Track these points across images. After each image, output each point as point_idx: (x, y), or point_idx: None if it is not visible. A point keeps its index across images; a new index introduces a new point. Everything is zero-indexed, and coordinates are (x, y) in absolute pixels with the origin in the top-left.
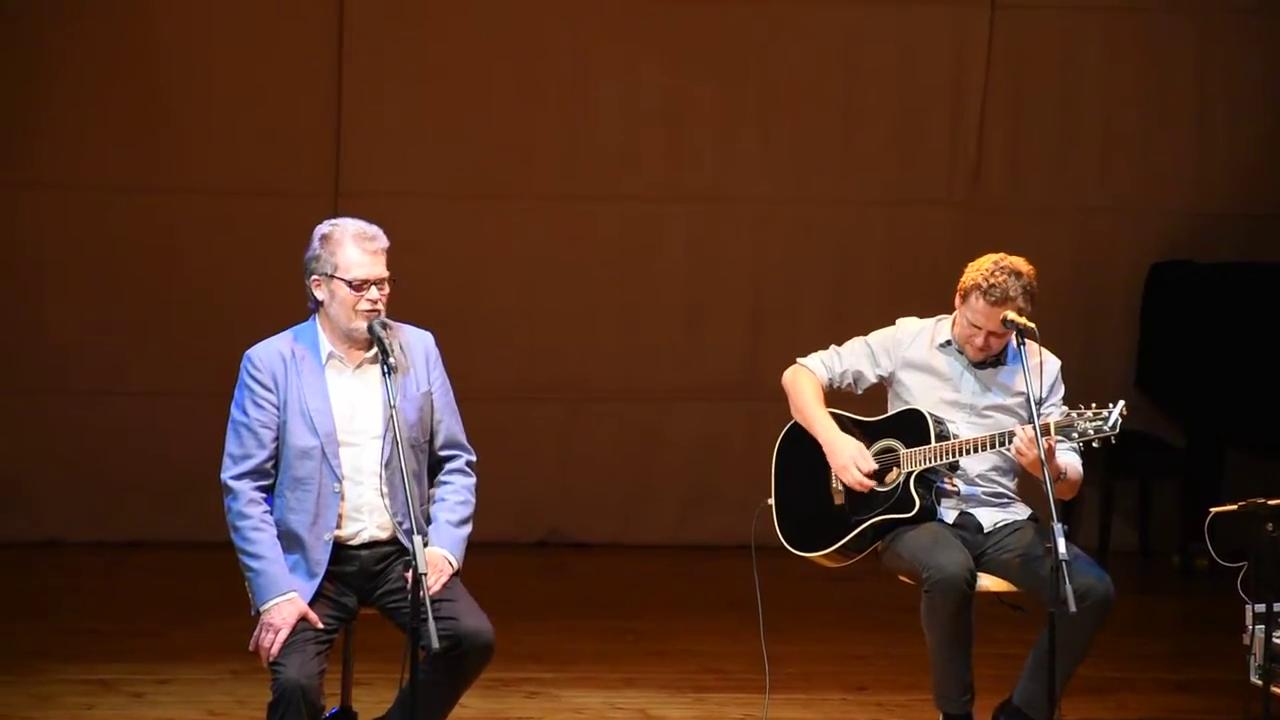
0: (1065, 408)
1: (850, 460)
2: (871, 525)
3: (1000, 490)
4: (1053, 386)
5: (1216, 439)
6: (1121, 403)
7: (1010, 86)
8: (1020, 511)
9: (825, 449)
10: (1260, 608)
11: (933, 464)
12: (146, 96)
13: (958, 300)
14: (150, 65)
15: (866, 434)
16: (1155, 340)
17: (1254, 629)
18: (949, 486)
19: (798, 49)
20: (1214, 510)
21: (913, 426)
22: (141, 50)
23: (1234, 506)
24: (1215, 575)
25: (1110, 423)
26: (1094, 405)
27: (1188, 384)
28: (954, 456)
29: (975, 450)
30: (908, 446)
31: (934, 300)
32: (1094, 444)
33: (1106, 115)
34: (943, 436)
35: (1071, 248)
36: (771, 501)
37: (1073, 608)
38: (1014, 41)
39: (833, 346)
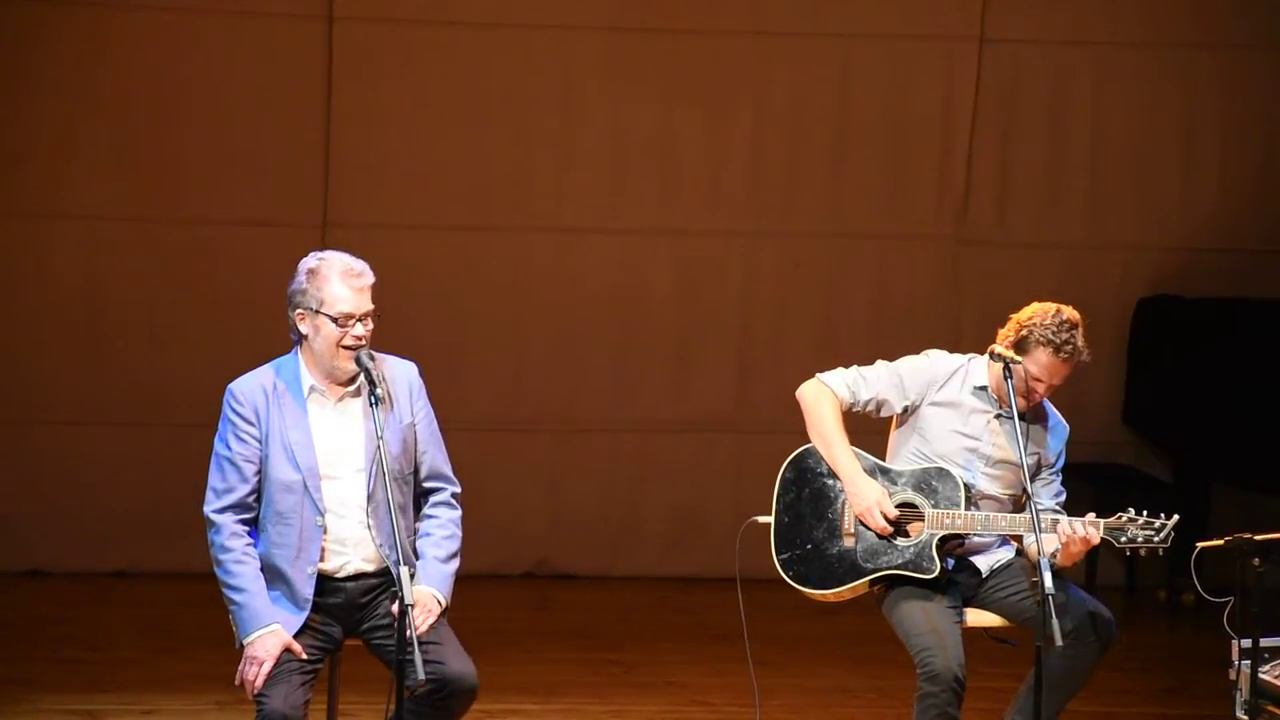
0: (1061, 501)
1: (875, 504)
2: (884, 576)
3: (989, 537)
4: (1061, 453)
5: (1204, 474)
6: (1176, 517)
7: (999, 121)
8: (1007, 551)
9: (847, 486)
10: (1246, 643)
11: (959, 531)
12: (133, 126)
13: (1010, 348)
14: (139, 94)
15: (889, 481)
16: (1142, 375)
17: (1240, 664)
18: (959, 553)
19: (787, 83)
20: (1200, 545)
21: (943, 488)
22: (130, 79)
23: (1220, 541)
24: (1202, 610)
25: (1162, 535)
26: (1145, 513)
27: (1175, 419)
28: (985, 531)
29: (1010, 529)
30: (935, 507)
31: (923, 334)
32: (1141, 552)
33: (1094, 150)
34: (970, 504)
35: (1059, 282)
36: (764, 520)
37: (1059, 641)
38: (1003, 76)
39: (855, 367)
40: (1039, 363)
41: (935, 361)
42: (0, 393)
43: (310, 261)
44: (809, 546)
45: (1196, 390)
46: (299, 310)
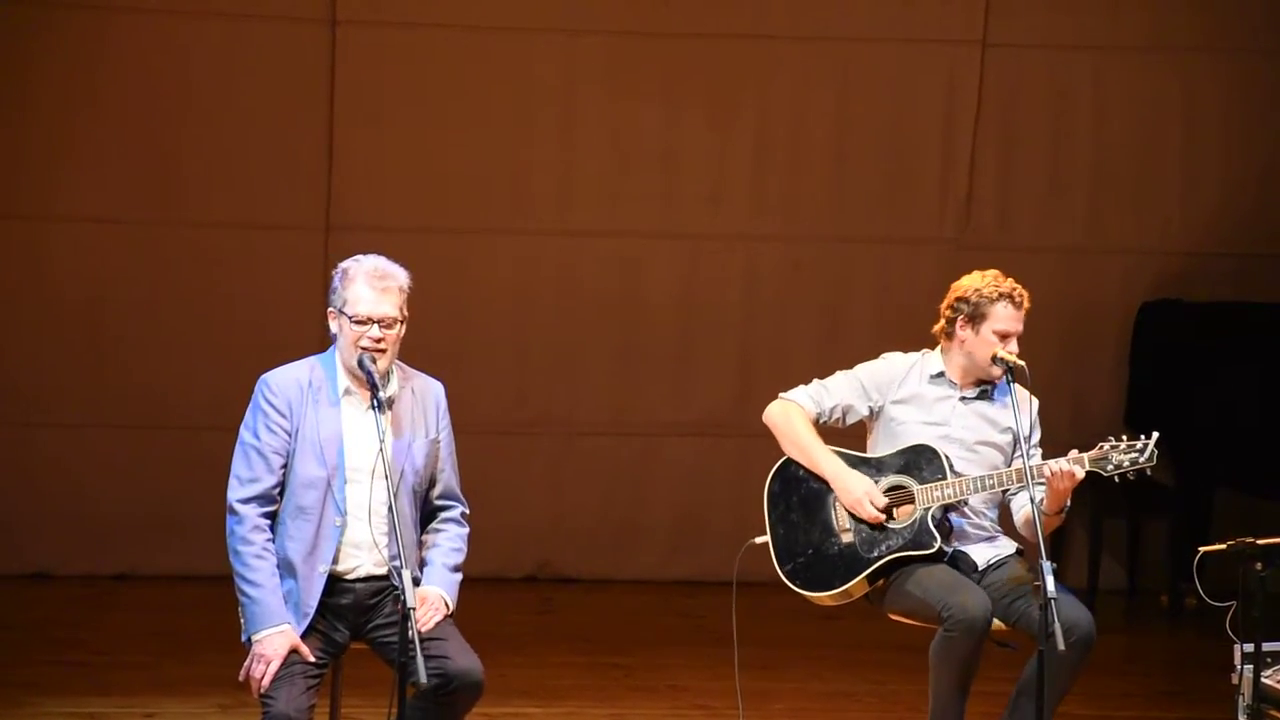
0: (1041, 449)
1: (865, 495)
2: (889, 562)
3: (985, 525)
4: (1033, 424)
5: (1206, 478)
6: (1156, 435)
7: (1001, 126)
8: (1007, 546)
9: (834, 485)
10: (1249, 647)
11: (951, 500)
12: (135, 129)
13: (965, 326)
14: (140, 97)
15: (873, 470)
16: (1145, 379)
17: (1242, 668)
18: (962, 522)
19: (790, 87)
20: (1203, 549)
21: (926, 462)
22: (131, 82)
23: (1223, 545)
24: (1204, 614)
25: (1146, 454)
26: (1125, 438)
27: (1177, 423)
28: (976, 490)
29: (999, 485)
30: (921, 483)
31: (923, 337)
32: (1129, 476)
33: (1096, 154)
34: (955, 472)
35: (1061, 286)
36: (762, 540)
37: (1061, 646)
38: (1005, 81)
39: (815, 381)
40: (1002, 318)
41: (892, 362)
42: (1, 396)
43: (346, 263)
44: (810, 552)
45: (1199, 394)
46: (330, 310)
